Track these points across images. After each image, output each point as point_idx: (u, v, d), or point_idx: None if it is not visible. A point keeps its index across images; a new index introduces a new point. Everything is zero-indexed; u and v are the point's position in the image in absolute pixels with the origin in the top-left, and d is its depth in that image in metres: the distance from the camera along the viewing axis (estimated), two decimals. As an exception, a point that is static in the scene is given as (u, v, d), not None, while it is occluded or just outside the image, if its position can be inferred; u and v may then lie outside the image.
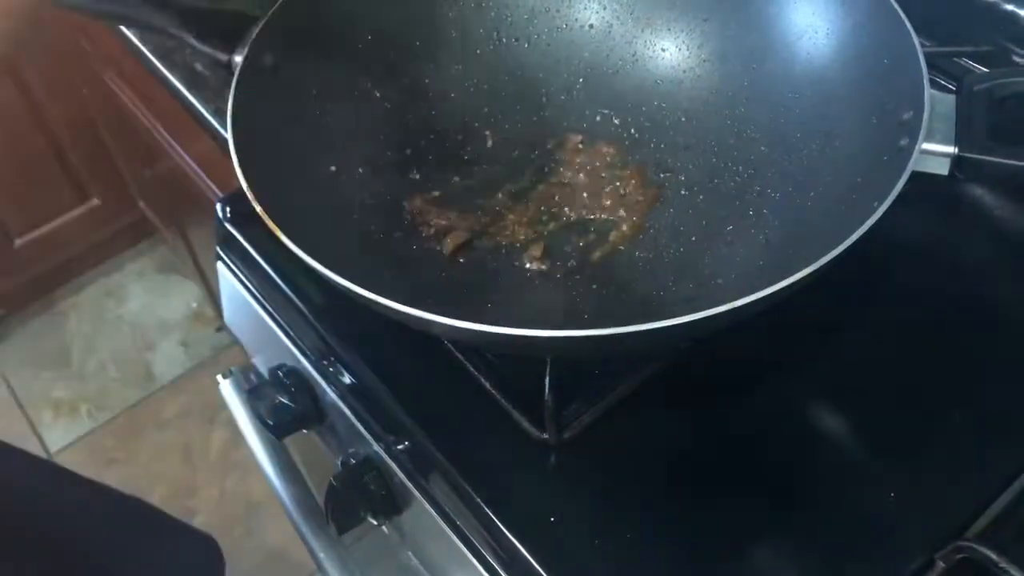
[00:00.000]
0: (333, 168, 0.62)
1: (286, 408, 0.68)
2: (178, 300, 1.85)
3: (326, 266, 0.47)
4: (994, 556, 0.48)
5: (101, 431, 1.66)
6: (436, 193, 0.65)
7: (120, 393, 1.72)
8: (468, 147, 0.68)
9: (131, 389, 1.73)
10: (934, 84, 0.52)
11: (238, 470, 1.58)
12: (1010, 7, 0.71)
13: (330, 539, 0.67)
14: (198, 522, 1.52)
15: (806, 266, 0.45)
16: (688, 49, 0.68)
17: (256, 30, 0.59)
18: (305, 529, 0.69)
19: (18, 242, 1.64)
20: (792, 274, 0.45)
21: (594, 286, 0.59)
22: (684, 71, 0.68)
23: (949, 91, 0.53)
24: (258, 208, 0.50)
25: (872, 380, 0.59)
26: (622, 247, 0.61)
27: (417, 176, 0.65)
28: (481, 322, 0.44)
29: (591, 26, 0.70)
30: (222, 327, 1.77)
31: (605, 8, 0.70)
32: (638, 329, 0.43)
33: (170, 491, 1.57)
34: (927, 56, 0.53)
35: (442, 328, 0.46)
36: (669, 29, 0.68)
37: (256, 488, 1.56)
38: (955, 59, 0.72)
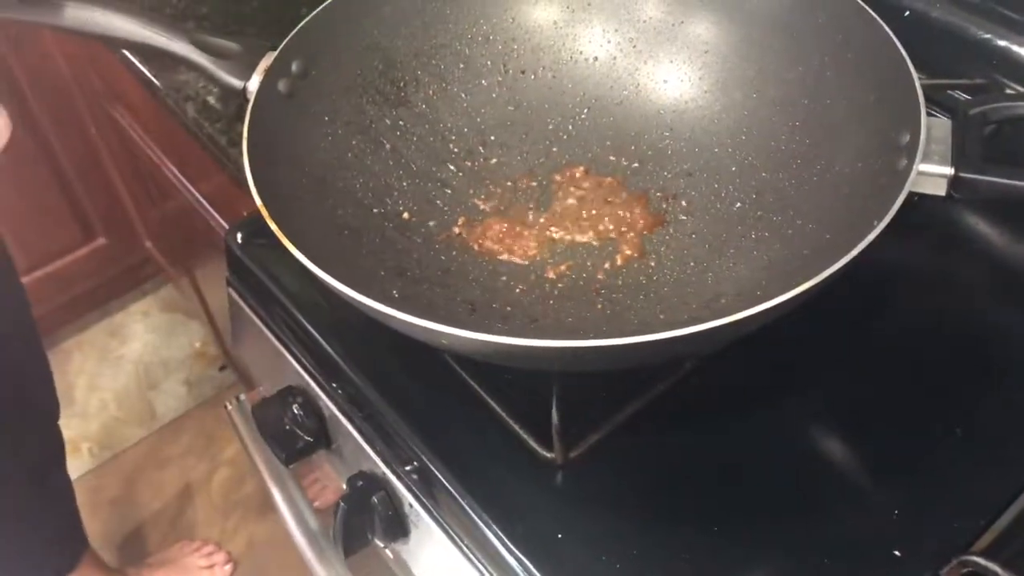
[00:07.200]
0: (346, 190, 0.63)
1: (294, 433, 0.68)
2: (182, 339, 1.86)
3: (341, 281, 0.48)
4: (1000, 571, 0.48)
5: (103, 470, 1.66)
6: (445, 217, 0.66)
7: (122, 432, 1.72)
8: (475, 174, 0.69)
9: (133, 428, 1.72)
10: (929, 115, 0.53)
11: (240, 509, 1.58)
12: (1003, 43, 0.73)
13: (336, 563, 0.67)
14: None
15: (806, 281, 0.46)
16: (690, 80, 0.70)
17: (271, 58, 0.61)
18: (310, 554, 0.69)
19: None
20: (793, 289, 0.46)
21: (599, 306, 0.60)
22: (686, 101, 0.69)
23: (945, 120, 0.54)
24: (273, 226, 0.51)
25: (874, 399, 0.60)
26: (625, 269, 0.62)
27: (426, 201, 0.67)
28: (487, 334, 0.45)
29: (595, 59, 0.72)
30: (225, 366, 1.77)
31: (609, 42, 0.72)
32: (642, 340, 0.44)
33: (171, 530, 1.56)
34: (923, 88, 0.54)
35: (450, 339, 0.47)
36: (671, 61, 0.70)
37: (257, 527, 1.55)
38: (949, 91, 0.73)
